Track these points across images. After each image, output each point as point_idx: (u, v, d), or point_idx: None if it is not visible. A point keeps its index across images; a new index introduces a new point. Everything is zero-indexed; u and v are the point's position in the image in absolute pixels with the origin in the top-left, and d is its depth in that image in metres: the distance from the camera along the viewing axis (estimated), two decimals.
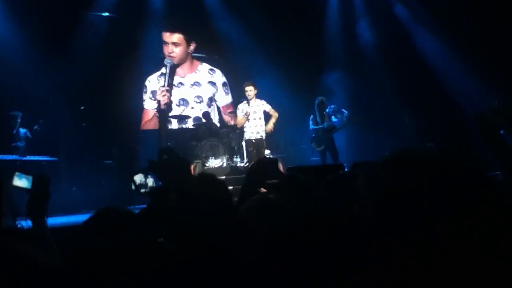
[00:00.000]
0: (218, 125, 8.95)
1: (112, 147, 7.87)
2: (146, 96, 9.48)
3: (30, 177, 1.79)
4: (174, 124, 8.73)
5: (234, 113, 8.47)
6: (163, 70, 9.18)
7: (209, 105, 9.62)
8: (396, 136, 8.41)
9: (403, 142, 8.39)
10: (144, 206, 1.96)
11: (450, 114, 8.71)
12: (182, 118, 8.46)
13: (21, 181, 1.80)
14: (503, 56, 8.10)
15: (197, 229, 1.37)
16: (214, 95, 9.79)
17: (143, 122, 9.39)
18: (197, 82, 9.76)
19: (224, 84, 10.05)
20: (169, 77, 8.90)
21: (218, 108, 9.78)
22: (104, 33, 8.54)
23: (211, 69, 9.95)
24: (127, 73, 8.68)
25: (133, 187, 1.49)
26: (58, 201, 6.74)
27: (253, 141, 7.23)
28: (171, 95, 8.86)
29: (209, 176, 2.17)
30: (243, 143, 7.52)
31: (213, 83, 9.93)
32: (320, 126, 7.84)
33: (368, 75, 9.40)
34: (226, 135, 7.99)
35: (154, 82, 9.51)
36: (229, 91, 9.95)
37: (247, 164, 7.47)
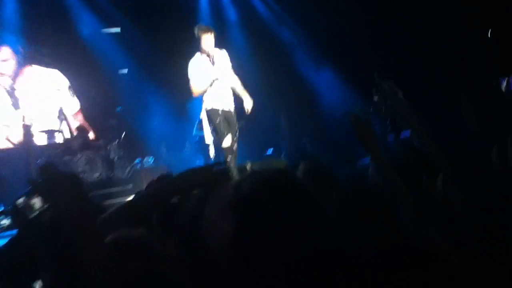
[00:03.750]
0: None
1: None
2: None
3: None
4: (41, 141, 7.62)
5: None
6: None
7: (60, 118, 7.54)
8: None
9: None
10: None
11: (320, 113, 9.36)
12: (51, 133, 7.68)
13: None
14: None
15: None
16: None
17: None
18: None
19: (69, 88, 8.21)
20: None
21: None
22: None
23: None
24: None
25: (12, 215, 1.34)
26: None
27: (220, 112, 5.49)
28: None
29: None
30: (202, 116, 5.74)
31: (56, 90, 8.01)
32: None
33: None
34: (104, 146, 7.53)
35: None
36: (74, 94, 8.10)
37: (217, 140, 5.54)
